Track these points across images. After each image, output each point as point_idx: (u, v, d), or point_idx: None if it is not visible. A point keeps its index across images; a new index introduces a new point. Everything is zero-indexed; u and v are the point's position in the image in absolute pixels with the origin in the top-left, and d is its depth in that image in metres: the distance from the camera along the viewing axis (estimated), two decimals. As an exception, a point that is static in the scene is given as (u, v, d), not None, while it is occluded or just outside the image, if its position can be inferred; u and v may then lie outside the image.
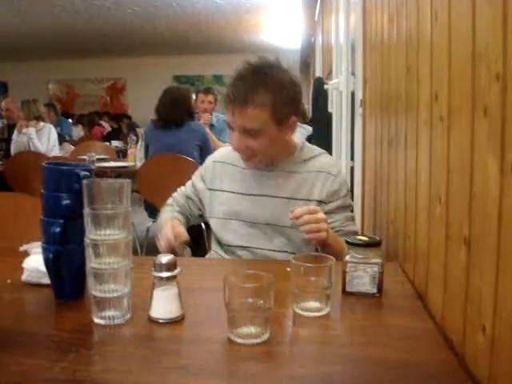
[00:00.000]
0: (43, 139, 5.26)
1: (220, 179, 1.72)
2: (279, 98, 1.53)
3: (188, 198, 1.80)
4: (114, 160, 5.42)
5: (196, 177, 1.82)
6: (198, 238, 3.16)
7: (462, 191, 0.93)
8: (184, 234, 1.55)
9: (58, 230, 1.04)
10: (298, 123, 4.78)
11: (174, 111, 3.82)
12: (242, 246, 1.61)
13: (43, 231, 1.09)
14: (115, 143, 7.14)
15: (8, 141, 5.53)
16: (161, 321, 1.00)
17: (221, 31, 9.31)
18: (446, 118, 1.04)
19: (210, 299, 1.14)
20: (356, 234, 1.60)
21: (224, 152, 1.80)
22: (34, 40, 9.26)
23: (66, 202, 1.04)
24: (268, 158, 1.62)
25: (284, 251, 1.58)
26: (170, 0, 6.98)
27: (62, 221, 1.05)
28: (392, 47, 1.68)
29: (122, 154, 6.34)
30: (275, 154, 1.63)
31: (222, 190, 1.69)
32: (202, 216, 1.79)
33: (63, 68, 11.52)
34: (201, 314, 1.07)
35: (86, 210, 0.98)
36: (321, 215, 1.40)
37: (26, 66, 11.17)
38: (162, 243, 1.53)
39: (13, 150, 5.26)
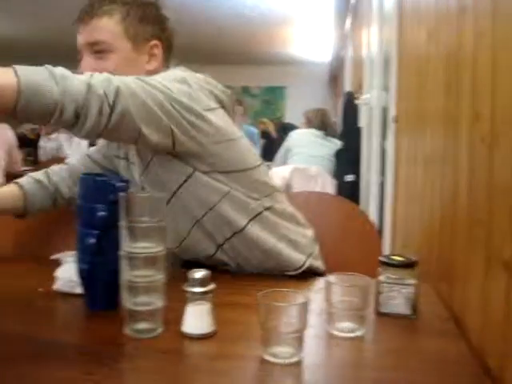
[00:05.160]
0: (74, 146, 5.32)
1: None
2: (131, 10, 1.42)
3: None
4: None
5: None
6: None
7: (506, 214, 0.90)
8: None
9: (93, 240, 1.04)
10: (328, 137, 4.77)
11: None
12: None
13: (78, 242, 1.09)
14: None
15: (35, 146, 5.62)
16: (193, 336, 0.99)
17: (249, 43, 9.35)
18: (488, 139, 1.01)
19: (241, 315, 1.13)
20: None
21: None
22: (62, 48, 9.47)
23: (101, 213, 1.04)
24: None
25: None
26: (199, 11, 7.04)
27: (97, 232, 1.05)
28: (430, 63, 1.66)
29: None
30: None
31: None
32: None
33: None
34: (233, 330, 1.05)
35: (123, 223, 0.98)
36: None
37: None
38: None
39: (41, 156, 5.33)
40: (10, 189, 1.55)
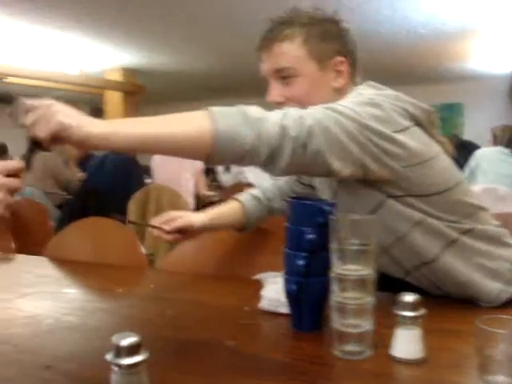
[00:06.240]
0: (255, 170, 5.56)
1: None
2: (311, 30, 1.38)
3: None
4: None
5: None
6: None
7: None
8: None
9: (301, 262, 1.09)
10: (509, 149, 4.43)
11: None
12: None
13: (287, 263, 1.14)
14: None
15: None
16: (403, 361, 0.98)
17: (424, 60, 9.10)
18: None
19: (453, 343, 1.10)
20: None
21: None
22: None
23: (309, 236, 1.08)
24: None
25: None
26: (373, 32, 7.02)
27: (305, 254, 1.09)
28: None
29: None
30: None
31: None
32: None
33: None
34: (444, 357, 1.02)
35: (333, 245, 1.01)
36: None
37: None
38: None
39: (224, 182, 5.65)
40: (233, 205, 1.74)
